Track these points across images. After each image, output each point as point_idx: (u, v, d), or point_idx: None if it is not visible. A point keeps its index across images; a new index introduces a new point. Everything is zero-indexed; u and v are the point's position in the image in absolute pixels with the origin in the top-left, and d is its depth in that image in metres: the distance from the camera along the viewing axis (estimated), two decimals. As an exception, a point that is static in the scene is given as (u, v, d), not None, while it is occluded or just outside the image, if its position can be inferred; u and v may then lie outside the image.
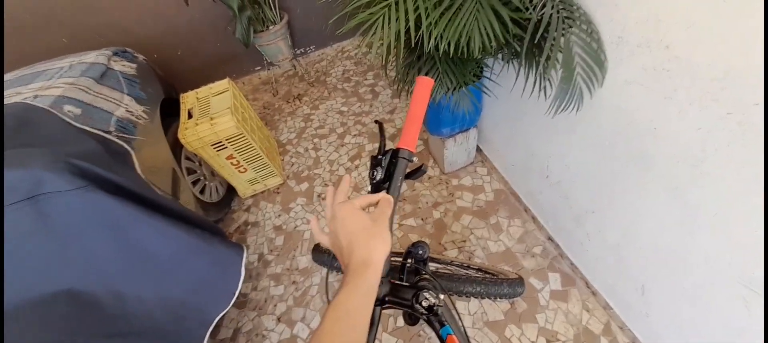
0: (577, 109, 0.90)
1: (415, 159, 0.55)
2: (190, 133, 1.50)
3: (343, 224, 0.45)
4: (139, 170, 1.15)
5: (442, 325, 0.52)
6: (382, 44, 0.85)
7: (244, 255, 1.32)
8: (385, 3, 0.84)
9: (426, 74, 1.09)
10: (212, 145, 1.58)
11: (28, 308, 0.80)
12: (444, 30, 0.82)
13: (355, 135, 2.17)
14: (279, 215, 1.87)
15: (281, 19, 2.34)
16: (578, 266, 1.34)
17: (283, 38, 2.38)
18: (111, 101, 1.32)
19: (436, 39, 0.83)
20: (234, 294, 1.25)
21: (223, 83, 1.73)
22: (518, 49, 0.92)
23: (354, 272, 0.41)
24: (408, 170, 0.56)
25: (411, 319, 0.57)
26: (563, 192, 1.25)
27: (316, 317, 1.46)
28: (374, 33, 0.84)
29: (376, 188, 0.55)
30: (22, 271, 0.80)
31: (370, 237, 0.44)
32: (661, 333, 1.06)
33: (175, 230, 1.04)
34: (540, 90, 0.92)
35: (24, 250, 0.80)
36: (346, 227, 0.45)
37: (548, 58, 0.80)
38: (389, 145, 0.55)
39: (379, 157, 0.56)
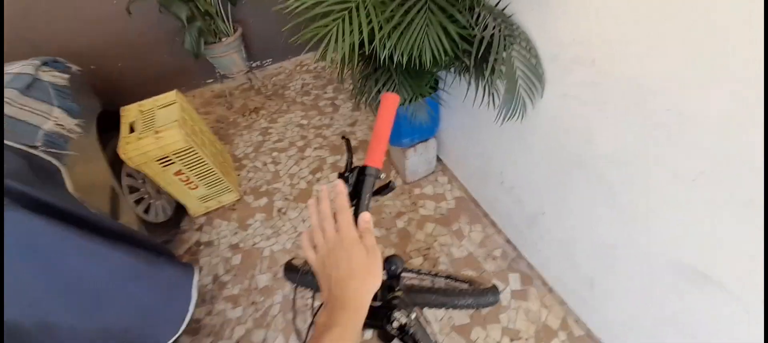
0: (522, 118, 0.97)
1: (382, 176, 0.55)
2: (132, 148, 1.39)
3: (349, 254, 0.41)
4: (70, 188, 1.04)
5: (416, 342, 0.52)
6: (334, 58, 0.86)
7: (196, 276, 1.23)
8: (337, 15, 0.85)
9: (383, 85, 1.11)
10: (157, 160, 1.47)
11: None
12: (397, 42, 0.85)
13: (315, 148, 2.14)
14: (235, 233, 1.77)
15: (235, 31, 2.27)
16: (535, 266, 1.42)
17: (237, 50, 2.31)
18: (38, 114, 1.19)
19: (389, 50, 0.86)
20: (184, 319, 1.15)
21: (170, 95, 1.63)
22: (467, 63, 0.98)
23: (343, 311, 0.38)
24: (376, 187, 0.56)
25: (385, 337, 0.56)
26: (516, 196, 1.33)
27: (278, 338, 1.39)
28: (327, 45, 0.84)
29: None
30: None
31: (368, 274, 0.41)
32: (610, 322, 1.15)
33: (112, 251, 0.94)
34: (489, 99, 0.98)
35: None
36: (351, 259, 0.41)
37: (493, 71, 0.86)
38: (356, 161, 0.54)
39: (346, 174, 0.55)
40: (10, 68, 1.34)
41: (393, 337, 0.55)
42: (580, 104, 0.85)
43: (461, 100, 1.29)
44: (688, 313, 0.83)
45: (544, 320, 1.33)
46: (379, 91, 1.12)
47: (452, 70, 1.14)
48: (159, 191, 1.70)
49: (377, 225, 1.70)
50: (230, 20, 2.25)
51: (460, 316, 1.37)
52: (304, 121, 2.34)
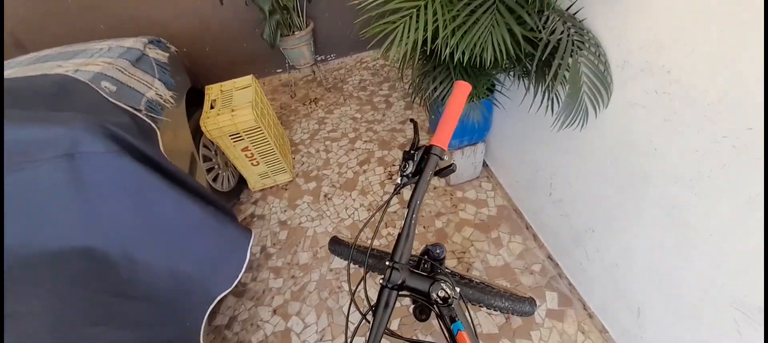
0: (582, 126, 0.95)
1: (446, 157, 0.58)
2: (211, 122, 1.58)
3: None
4: (161, 148, 1.22)
5: (454, 320, 0.54)
6: (396, 54, 0.91)
7: (252, 239, 1.37)
8: (406, 12, 0.91)
9: (440, 84, 1.15)
10: (230, 135, 1.65)
11: (48, 257, 0.85)
12: (460, 41, 0.89)
13: (365, 141, 2.23)
14: (285, 211, 1.92)
15: (307, 25, 2.46)
16: (576, 287, 1.35)
17: (306, 44, 2.49)
18: (143, 83, 1.42)
19: (451, 48, 0.89)
20: (238, 276, 1.29)
21: (247, 79, 1.82)
22: (529, 66, 0.98)
23: None
24: (438, 167, 0.59)
25: (421, 313, 0.59)
26: (564, 210, 1.28)
27: (311, 312, 1.48)
28: (392, 41, 0.90)
29: (406, 180, 0.59)
30: (50, 222, 0.86)
31: None
32: (654, 359, 1.06)
33: (192, 204, 1.09)
34: (547, 106, 0.97)
35: (54, 203, 0.86)
36: None
37: (556, 75, 0.85)
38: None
39: (412, 151, 0.59)
40: (123, 42, 1.61)
41: (430, 311, 0.57)
42: (648, 116, 0.81)
43: (517, 105, 1.28)
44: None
45: (581, 345, 1.26)
46: (435, 89, 1.16)
47: (511, 73, 1.14)
48: (227, 164, 1.91)
49: (416, 221, 1.72)
50: (304, 15, 2.44)
51: (489, 325, 1.35)
52: (358, 115, 2.45)
